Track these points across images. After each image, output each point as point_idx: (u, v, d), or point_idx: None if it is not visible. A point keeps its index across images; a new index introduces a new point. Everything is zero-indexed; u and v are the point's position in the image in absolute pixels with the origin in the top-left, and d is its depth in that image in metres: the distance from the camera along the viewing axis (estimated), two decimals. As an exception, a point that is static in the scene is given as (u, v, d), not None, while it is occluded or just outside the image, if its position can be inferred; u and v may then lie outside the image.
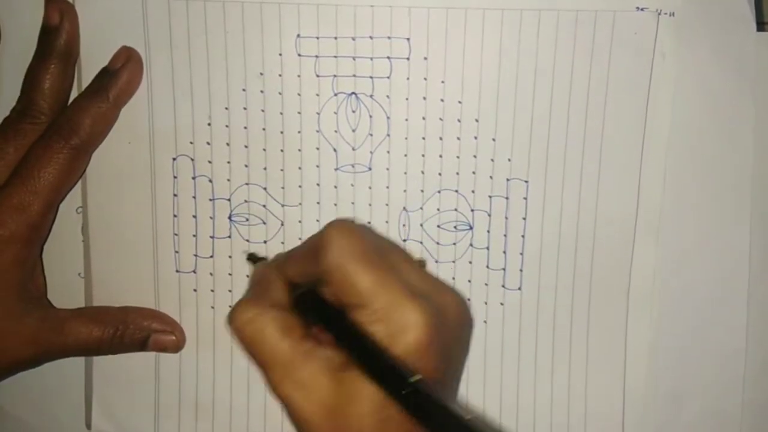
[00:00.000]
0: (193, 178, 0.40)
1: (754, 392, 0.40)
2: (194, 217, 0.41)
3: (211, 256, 0.41)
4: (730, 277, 0.40)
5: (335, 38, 0.39)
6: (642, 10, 0.39)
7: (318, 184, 0.40)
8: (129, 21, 0.39)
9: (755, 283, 0.40)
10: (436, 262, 0.41)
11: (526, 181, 0.40)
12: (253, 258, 0.40)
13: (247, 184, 0.40)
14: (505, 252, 0.41)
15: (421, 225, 0.40)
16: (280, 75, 0.39)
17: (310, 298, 0.33)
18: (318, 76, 0.39)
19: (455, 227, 0.40)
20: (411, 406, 0.28)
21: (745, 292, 0.40)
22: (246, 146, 0.40)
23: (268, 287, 0.34)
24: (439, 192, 0.40)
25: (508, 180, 0.40)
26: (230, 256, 0.41)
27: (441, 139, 0.40)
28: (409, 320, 0.29)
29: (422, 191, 0.40)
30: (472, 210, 0.40)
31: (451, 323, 0.32)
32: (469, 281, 0.41)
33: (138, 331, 0.40)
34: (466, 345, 0.36)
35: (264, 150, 0.40)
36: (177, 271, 0.41)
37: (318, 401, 0.30)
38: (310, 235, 0.35)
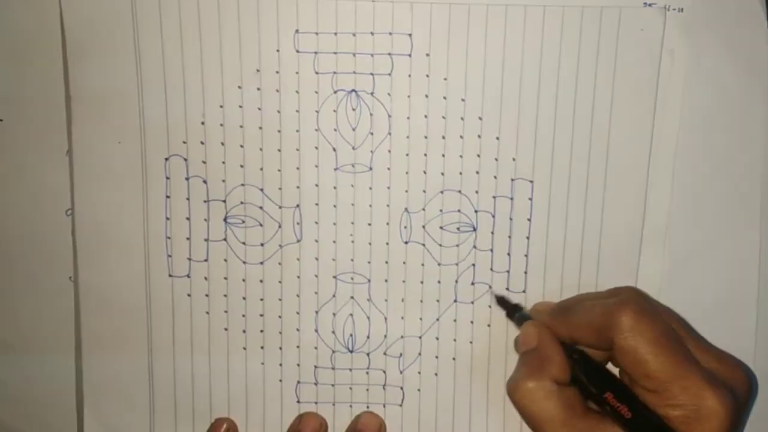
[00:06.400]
0: (187, 179, 0.39)
1: (763, 396, 0.40)
2: (188, 219, 0.39)
3: (206, 260, 0.40)
4: (739, 279, 0.40)
5: (335, 34, 0.38)
6: (649, 5, 0.38)
7: (317, 185, 0.39)
8: (118, 13, 0.37)
9: (765, 286, 0.40)
10: (439, 264, 0.40)
11: (531, 181, 0.39)
12: (506, 304, 0.39)
13: (242, 185, 0.39)
14: (509, 254, 0.40)
15: (424, 226, 0.39)
16: (277, 72, 0.38)
17: (592, 370, 0.33)
18: (317, 72, 0.38)
19: (458, 228, 0.39)
20: None
21: (754, 295, 0.40)
22: (242, 146, 0.39)
23: (548, 359, 0.34)
24: (441, 192, 0.39)
25: (512, 180, 0.39)
26: (226, 260, 0.40)
27: (444, 137, 0.39)
28: (710, 409, 0.30)
29: (424, 191, 0.39)
30: (476, 211, 0.39)
31: (743, 403, 0.32)
32: (473, 284, 0.40)
33: None
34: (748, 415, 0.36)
35: (260, 149, 0.39)
36: (170, 275, 0.40)
37: None
38: (591, 298, 0.35)
